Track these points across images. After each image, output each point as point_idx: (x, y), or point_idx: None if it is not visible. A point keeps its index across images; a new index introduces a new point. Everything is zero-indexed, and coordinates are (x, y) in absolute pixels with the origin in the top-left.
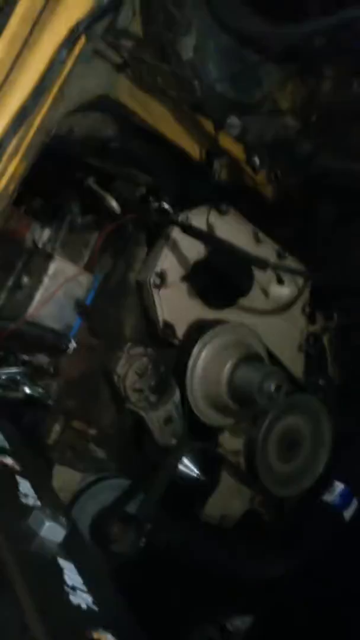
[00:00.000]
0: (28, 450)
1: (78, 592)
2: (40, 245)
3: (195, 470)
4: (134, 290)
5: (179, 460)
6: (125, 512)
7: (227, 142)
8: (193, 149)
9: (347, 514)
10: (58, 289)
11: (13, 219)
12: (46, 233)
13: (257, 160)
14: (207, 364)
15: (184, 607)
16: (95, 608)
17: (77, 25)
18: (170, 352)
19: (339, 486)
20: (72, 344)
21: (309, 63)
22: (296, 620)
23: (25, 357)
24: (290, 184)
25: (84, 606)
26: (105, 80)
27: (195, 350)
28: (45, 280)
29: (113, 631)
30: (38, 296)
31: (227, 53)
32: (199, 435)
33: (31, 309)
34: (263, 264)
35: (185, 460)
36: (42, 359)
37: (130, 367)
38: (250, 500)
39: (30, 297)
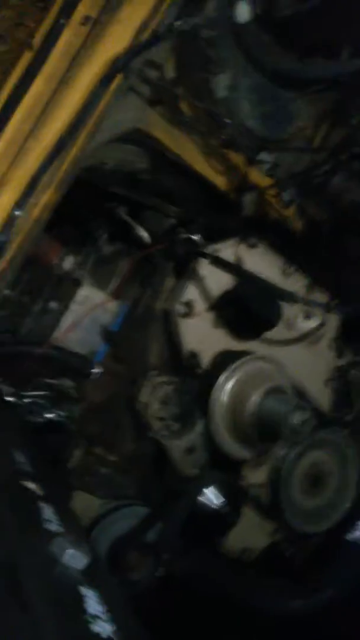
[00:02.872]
0: (51, 475)
1: (98, 621)
2: (68, 271)
3: (216, 501)
4: (160, 318)
5: (199, 491)
6: (144, 541)
7: (257, 176)
8: (223, 183)
9: None
10: (85, 315)
11: (42, 245)
12: (75, 259)
13: (287, 194)
14: (231, 395)
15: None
16: (115, 638)
17: (115, 62)
18: (195, 381)
19: None
20: (97, 370)
21: (341, 100)
22: None
23: (51, 381)
24: (319, 219)
25: (104, 636)
26: (138, 115)
27: (220, 380)
28: (73, 306)
29: None
30: (65, 321)
31: (260, 91)
32: (221, 467)
33: (58, 334)
34: (291, 298)
35: (207, 492)
36: (67, 383)
37: (154, 395)
38: (272, 535)
39: (57, 321)
